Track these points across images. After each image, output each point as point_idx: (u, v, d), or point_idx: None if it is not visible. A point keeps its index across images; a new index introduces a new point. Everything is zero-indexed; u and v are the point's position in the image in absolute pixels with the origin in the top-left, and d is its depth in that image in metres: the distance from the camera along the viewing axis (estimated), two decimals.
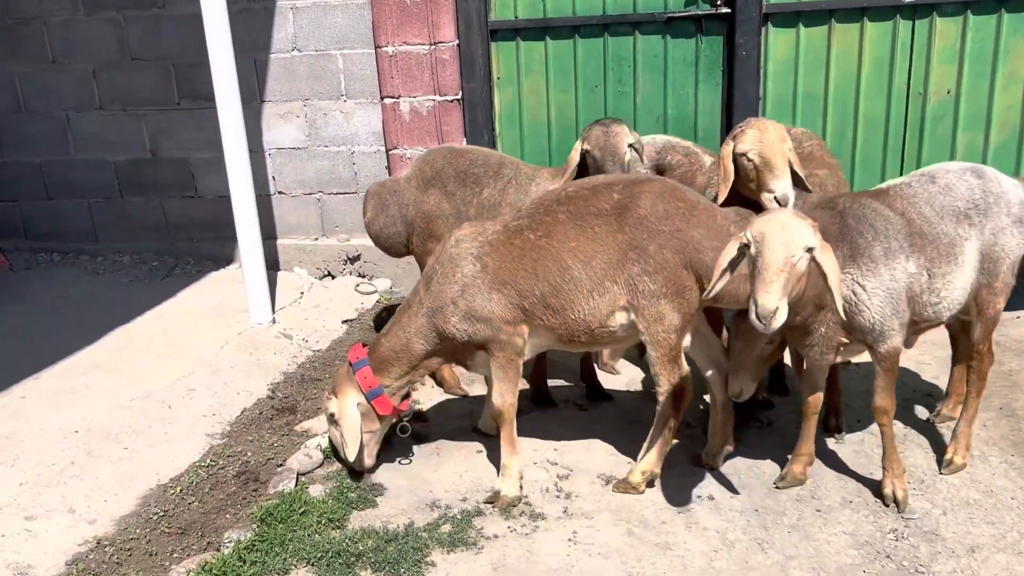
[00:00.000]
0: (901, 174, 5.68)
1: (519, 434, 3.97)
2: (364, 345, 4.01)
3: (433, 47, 5.85)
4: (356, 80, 6.15)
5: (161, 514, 3.72)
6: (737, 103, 5.71)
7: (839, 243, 3.42)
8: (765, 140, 3.81)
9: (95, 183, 6.81)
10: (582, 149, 4.40)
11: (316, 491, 3.94)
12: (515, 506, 3.86)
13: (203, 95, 6.39)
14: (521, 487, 3.92)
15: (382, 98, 6.08)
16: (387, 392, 3.93)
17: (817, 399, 3.80)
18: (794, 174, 3.87)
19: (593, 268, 3.67)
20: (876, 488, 3.83)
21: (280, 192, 6.51)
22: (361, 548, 3.53)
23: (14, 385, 4.71)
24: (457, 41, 5.87)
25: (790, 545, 3.51)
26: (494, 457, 4.24)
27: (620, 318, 3.74)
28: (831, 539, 3.53)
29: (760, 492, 3.89)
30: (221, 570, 3.31)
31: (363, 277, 6.44)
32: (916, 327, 3.66)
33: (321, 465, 4.16)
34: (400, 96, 6.00)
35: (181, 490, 3.88)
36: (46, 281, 6.36)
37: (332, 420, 3.95)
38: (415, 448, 4.32)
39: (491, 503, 3.88)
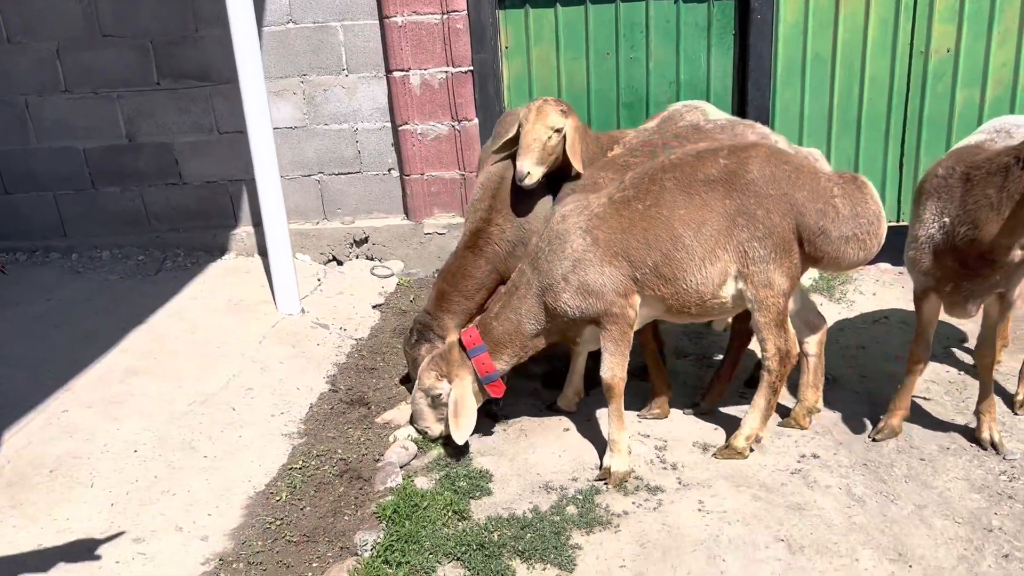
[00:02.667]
0: (904, 130, 5.92)
1: (588, 408, 4.06)
2: (472, 328, 3.89)
3: (446, 16, 5.64)
4: (358, 53, 5.86)
5: (277, 522, 3.49)
6: (752, 66, 5.77)
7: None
8: (529, 118, 4.18)
9: (62, 173, 6.26)
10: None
11: (424, 483, 3.78)
12: (627, 481, 3.82)
13: (187, 74, 5.97)
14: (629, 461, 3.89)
15: (389, 71, 5.82)
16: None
17: (927, 356, 3.92)
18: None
19: (703, 236, 3.65)
20: (966, 433, 4.00)
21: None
22: (498, 538, 3.41)
23: (47, 399, 4.30)
24: (467, 10, 5.68)
25: (915, 494, 3.62)
26: (586, 433, 4.19)
27: (730, 287, 3.74)
28: (949, 485, 3.67)
29: (859, 446, 3.99)
30: (373, 573, 3.14)
31: (372, 260, 6.20)
32: None
33: (416, 456, 4.00)
34: (410, 68, 5.77)
35: (287, 495, 3.65)
36: (26, 284, 5.82)
37: (434, 401, 3.91)
38: (496, 428, 4.22)
39: (603, 480, 3.83)
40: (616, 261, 3.66)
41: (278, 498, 3.64)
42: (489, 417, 4.26)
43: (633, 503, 3.68)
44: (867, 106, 5.90)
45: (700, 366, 4.86)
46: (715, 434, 4.16)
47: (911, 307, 5.27)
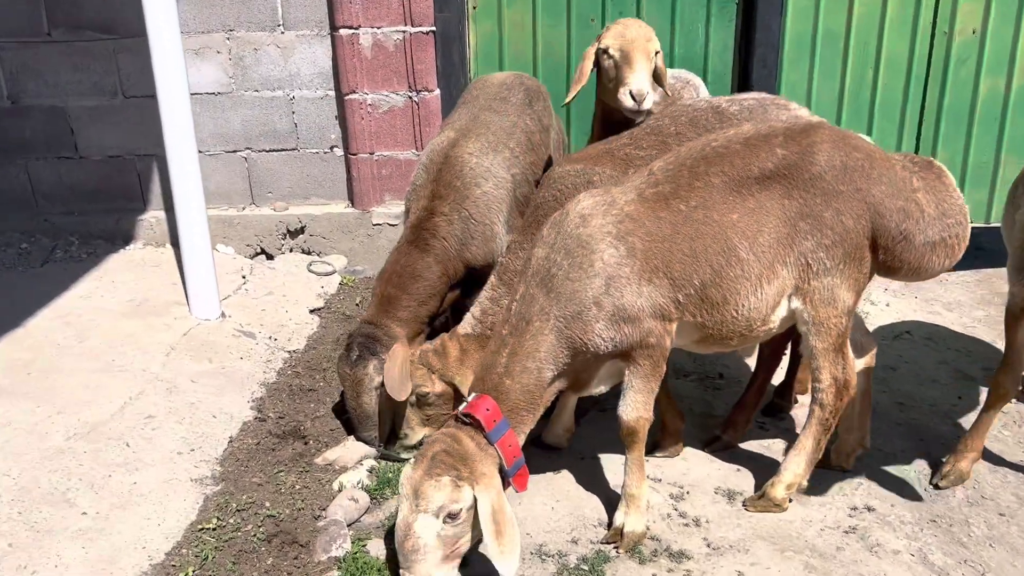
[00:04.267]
0: (921, 119, 5.26)
1: (580, 445, 3.27)
2: (483, 397, 2.78)
3: None
4: (297, 6, 4.90)
5: None
6: (758, 41, 5.03)
7: None
8: (627, 35, 3.57)
9: None
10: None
11: (379, 549, 2.89)
12: (641, 543, 2.99)
13: (86, 24, 4.93)
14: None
15: (335, 29, 4.87)
16: None
17: (1015, 390, 3.19)
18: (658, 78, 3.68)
19: (760, 247, 2.85)
20: None
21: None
22: None
23: None
24: None
25: (1007, 563, 2.88)
26: (582, 478, 3.37)
27: (783, 309, 2.95)
28: None
29: (918, 496, 3.24)
30: None
31: (309, 254, 5.23)
32: None
33: (368, 511, 3.10)
34: (360, 26, 4.83)
35: (194, 571, 2.70)
36: None
37: (450, 517, 2.55)
38: None
39: (613, 543, 2.99)
40: (656, 279, 2.79)
41: (182, 575, 2.68)
42: None
43: (654, 575, 2.85)
44: (882, 91, 5.21)
45: (704, 388, 4.07)
46: (740, 477, 3.38)
47: (932, 320, 4.61)
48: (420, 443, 3.32)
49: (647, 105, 3.52)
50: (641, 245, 2.76)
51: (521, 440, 2.82)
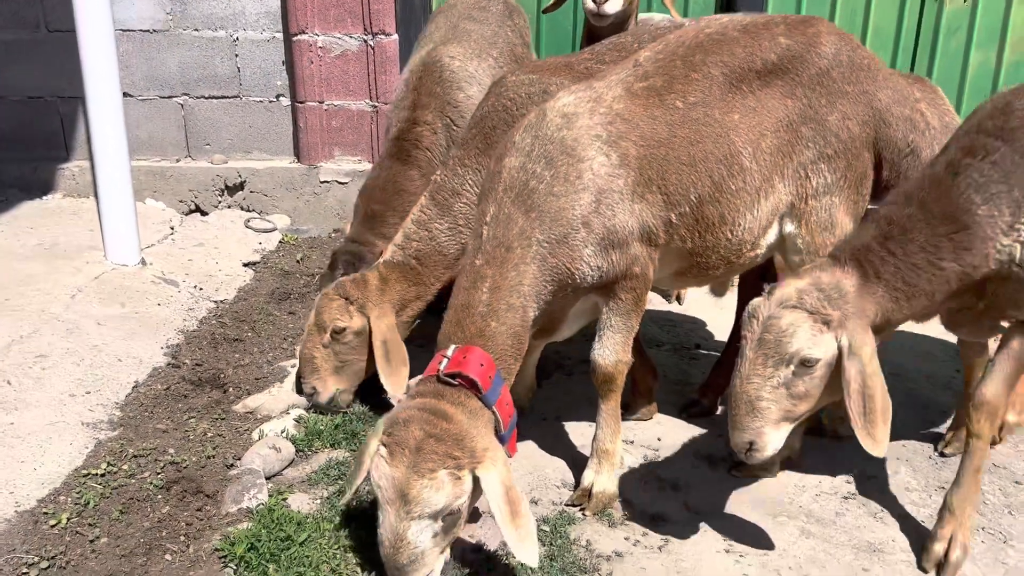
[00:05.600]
0: None
1: (539, 408, 2.87)
2: (470, 348, 2.23)
3: None
4: None
5: (47, 566, 2.05)
6: (740, 4, 4.71)
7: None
8: None
9: None
10: None
11: (303, 502, 2.43)
12: (611, 506, 2.56)
13: None
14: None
15: None
16: None
17: None
18: None
19: (762, 154, 2.47)
20: None
21: (125, 94, 4.61)
22: None
23: None
24: None
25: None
26: (544, 439, 2.96)
27: (773, 233, 2.58)
28: None
29: (924, 463, 2.88)
30: None
31: (249, 212, 4.75)
32: None
33: (292, 463, 2.63)
34: None
35: (68, 518, 2.21)
36: None
37: (449, 515, 2.06)
38: None
39: (578, 506, 2.55)
40: (650, 192, 2.36)
41: (55, 522, 2.19)
42: None
43: (627, 539, 2.46)
44: None
45: (680, 357, 3.67)
46: (721, 443, 2.95)
47: None
48: (332, 400, 2.87)
49: (609, 9, 3.29)
50: (635, 151, 2.32)
51: (509, 392, 2.32)
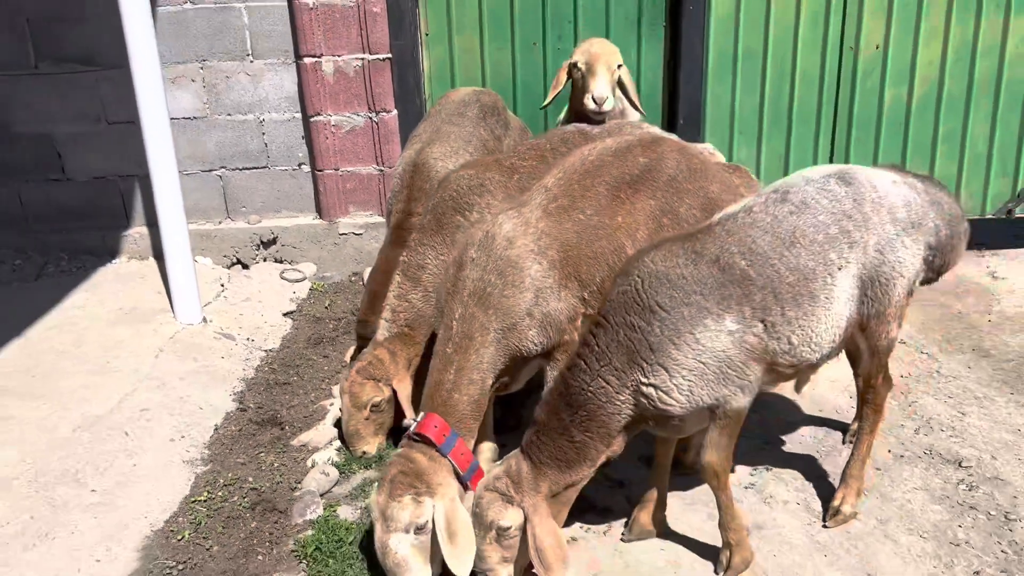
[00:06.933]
0: (834, 127, 5.82)
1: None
2: (430, 415, 3.07)
3: None
4: (265, 37, 5.38)
5: (180, 567, 3.03)
6: (684, 56, 5.56)
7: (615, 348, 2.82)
8: (592, 51, 4.21)
9: None
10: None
11: (349, 513, 3.38)
12: None
13: (70, 57, 5.38)
14: None
15: (299, 57, 5.36)
16: None
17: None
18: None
19: (639, 242, 3.30)
20: (918, 440, 3.84)
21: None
22: None
23: None
24: None
25: (875, 508, 3.42)
26: None
27: None
28: (909, 496, 3.48)
29: (811, 456, 3.79)
30: None
31: (281, 263, 5.71)
32: (779, 375, 3.02)
33: (338, 483, 3.59)
34: (323, 54, 5.32)
35: (190, 534, 3.19)
36: None
37: (418, 529, 2.86)
38: None
39: None
40: (570, 283, 3.21)
41: (180, 537, 3.17)
42: None
43: (581, 527, 3.37)
44: (798, 102, 5.77)
45: None
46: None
47: None
48: (377, 452, 3.72)
49: (607, 107, 4.12)
50: (557, 256, 3.16)
51: (471, 443, 3.15)
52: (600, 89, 4.12)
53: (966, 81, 5.67)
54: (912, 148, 5.84)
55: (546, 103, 4.51)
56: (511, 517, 2.80)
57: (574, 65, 4.25)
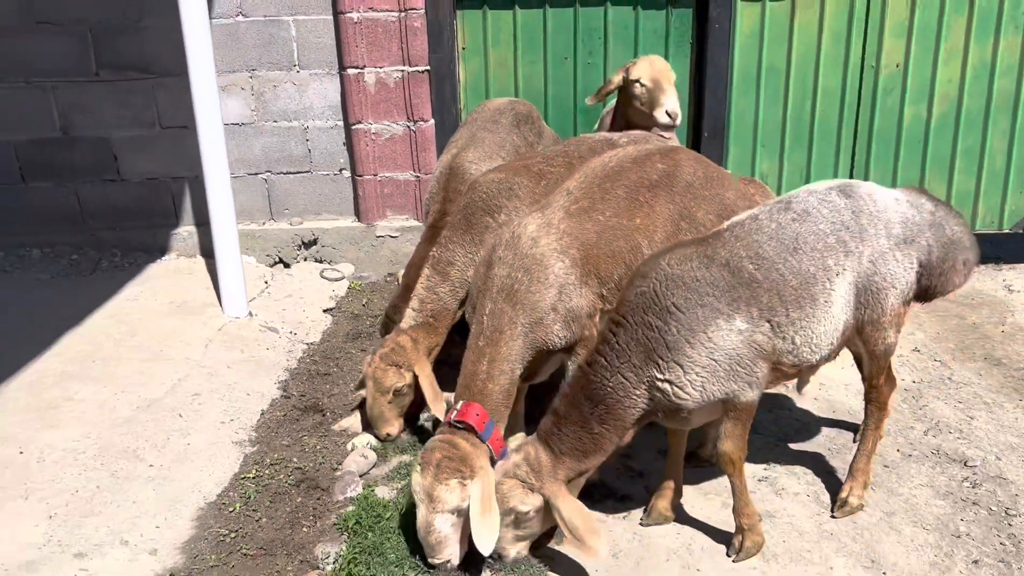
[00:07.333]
0: (855, 143, 6.02)
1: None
2: (470, 404, 3.27)
3: (403, 14, 5.50)
4: (311, 49, 5.68)
5: (232, 535, 3.29)
6: (709, 73, 5.78)
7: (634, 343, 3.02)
8: (656, 67, 4.61)
9: None
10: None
11: (385, 493, 3.63)
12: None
13: (129, 65, 5.71)
14: None
15: (343, 68, 5.66)
16: None
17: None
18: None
19: (656, 243, 3.52)
20: (926, 440, 4.03)
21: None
22: None
23: None
24: (425, 8, 5.55)
25: (882, 501, 3.62)
26: None
27: None
28: (915, 492, 3.67)
29: (820, 455, 3.99)
30: None
31: (321, 262, 6.00)
32: (783, 374, 3.22)
33: (375, 465, 3.84)
34: (365, 66, 5.61)
35: (240, 506, 3.45)
36: None
37: (456, 512, 3.08)
38: None
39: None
40: (590, 280, 3.42)
41: (231, 509, 3.44)
42: None
43: (602, 513, 3.60)
44: (819, 118, 5.97)
45: None
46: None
47: None
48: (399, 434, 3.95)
49: (679, 121, 4.57)
50: (579, 255, 3.38)
51: (502, 430, 3.35)
52: (673, 104, 4.55)
53: (984, 99, 5.85)
54: (931, 164, 6.02)
55: (593, 100, 4.86)
56: (531, 502, 3.00)
57: (636, 81, 4.60)
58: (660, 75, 4.58)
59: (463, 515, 3.08)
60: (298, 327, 5.06)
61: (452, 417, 3.27)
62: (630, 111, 4.72)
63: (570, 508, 2.98)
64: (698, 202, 3.59)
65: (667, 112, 4.54)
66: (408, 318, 3.95)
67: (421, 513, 3.09)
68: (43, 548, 3.12)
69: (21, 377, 4.27)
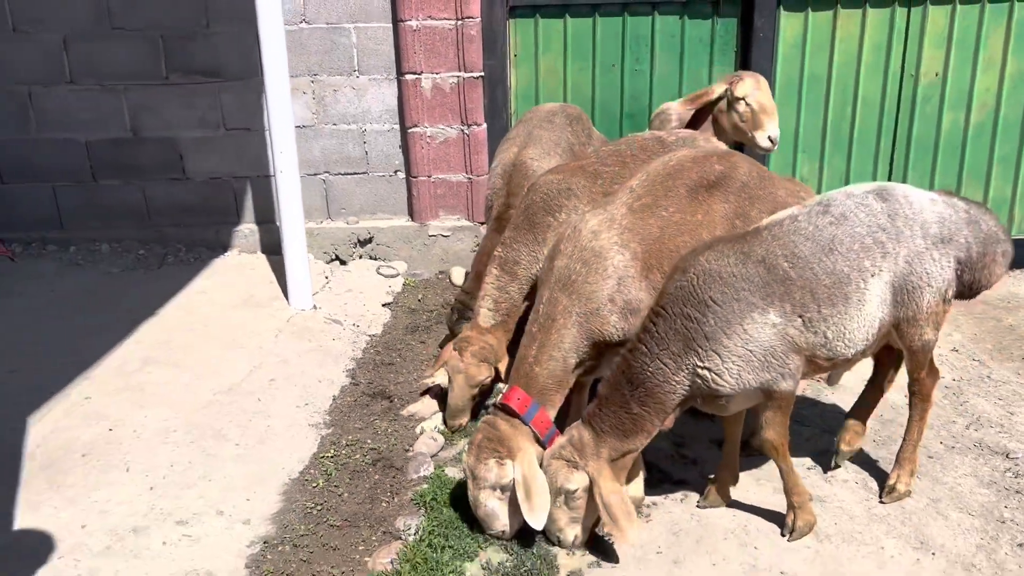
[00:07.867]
0: (893, 150, 6.19)
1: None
2: (514, 388, 3.45)
3: (460, 22, 5.74)
4: (370, 55, 5.93)
5: (318, 507, 3.53)
6: None
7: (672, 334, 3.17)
8: (761, 89, 4.82)
9: (62, 165, 6.18)
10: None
11: (455, 473, 3.85)
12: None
13: (196, 69, 5.97)
14: None
15: (401, 74, 5.90)
16: None
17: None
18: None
19: None
20: (968, 434, 4.20)
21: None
22: None
23: (66, 387, 4.26)
24: (480, 17, 5.79)
25: (928, 489, 3.80)
26: None
27: None
28: (959, 481, 3.85)
29: (867, 445, 4.17)
30: (420, 557, 3.20)
31: (376, 260, 6.24)
32: (818, 366, 3.38)
33: (444, 448, 4.06)
34: (422, 72, 5.85)
35: (323, 482, 3.69)
36: (26, 275, 5.74)
37: (502, 488, 3.32)
38: None
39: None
40: (651, 274, 3.55)
41: (314, 485, 3.67)
42: None
43: (661, 495, 3.80)
44: (859, 125, 6.14)
45: None
46: None
47: None
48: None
49: (776, 148, 4.87)
50: (640, 248, 3.54)
51: (552, 413, 3.49)
52: (776, 130, 4.82)
53: (1021, 108, 6.00)
54: (968, 171, 6.17)
55: (685, 107, 4.97)
56: (577, 480, 3.18)
57: (741, 99, 4.81)
58: (767, 99, 4.78)
59: (507, 491, 3.29)
60: (360, 320, 5.30)
61: (497, 401, 3.49)
62: (722, 118, 4.94)
63: (609, 488, 3.15)
64: (752, 201, 3.77)
65: (769, 138, 4.75)
66: (486, 317, 4.12)
67: (469, 490, 3.35)
68: (147, 515, 3.36)
69: (107, 361, 4.53)
